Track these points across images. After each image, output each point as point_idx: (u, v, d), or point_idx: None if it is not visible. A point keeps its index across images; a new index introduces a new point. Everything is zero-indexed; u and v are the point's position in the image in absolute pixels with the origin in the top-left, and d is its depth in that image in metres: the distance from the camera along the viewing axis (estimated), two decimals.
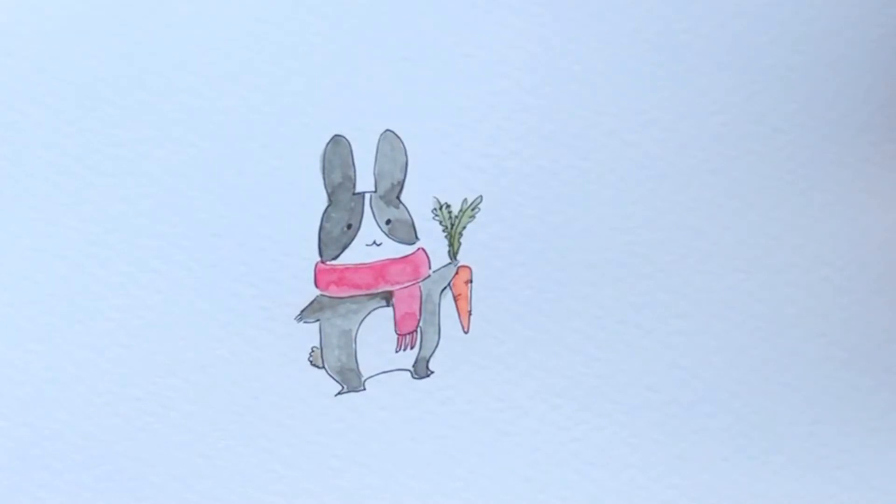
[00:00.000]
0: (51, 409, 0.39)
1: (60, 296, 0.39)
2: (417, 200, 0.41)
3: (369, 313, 0.41)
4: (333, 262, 0.40)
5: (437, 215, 0.41)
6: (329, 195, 0.40)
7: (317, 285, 0.40)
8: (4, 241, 0.39)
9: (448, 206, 0.41)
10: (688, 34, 0.41)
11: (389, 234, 0.41)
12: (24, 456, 0.39)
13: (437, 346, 0.41)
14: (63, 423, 0.39)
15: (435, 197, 0.41)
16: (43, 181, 0.39)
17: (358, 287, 0.41)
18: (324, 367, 0.41)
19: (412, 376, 0.41)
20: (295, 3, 0.40)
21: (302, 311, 0.40)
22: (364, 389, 0.41)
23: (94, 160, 0.39)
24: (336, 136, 0.40)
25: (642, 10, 0.42)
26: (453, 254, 0.41)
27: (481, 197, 0.41)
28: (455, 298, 0.41)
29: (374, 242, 0.41)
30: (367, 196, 0.41)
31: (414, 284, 0.41)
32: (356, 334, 0.41)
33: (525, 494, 0.42)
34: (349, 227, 0.40)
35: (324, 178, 0.40)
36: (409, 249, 0.41)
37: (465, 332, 0.41)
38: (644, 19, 0.42)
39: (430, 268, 0.41)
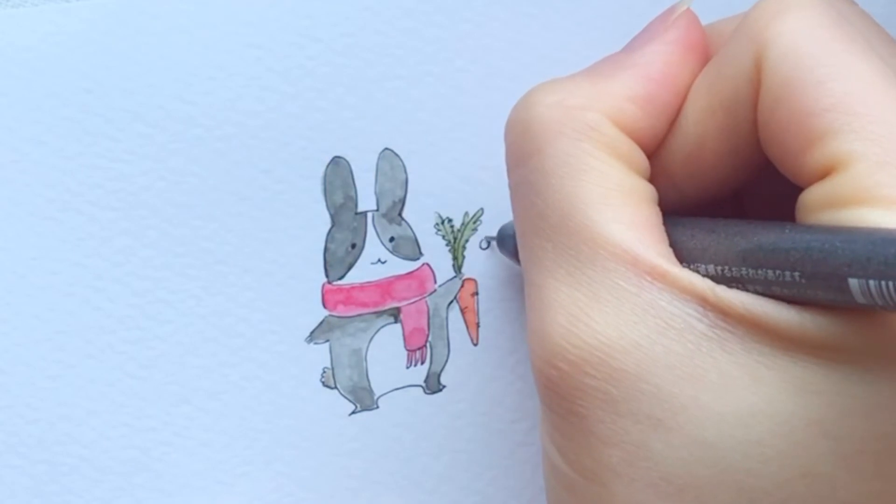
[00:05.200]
0: (66, 445, 0.39)
1: (70, 332, 0.39)
2: (419, 216, 0.41)
3: (378, 331, 0.41)
4: (340, 283, 0.41)
5: (439, 230, 0.41)
6: (332, 216, 0.41)
7: (325, 306, 0.41)
8: (9, 281, 0.39)
9: (450, 221, 0.41)
10: None
11: (394, 252, 0.41)
12: (43, 493, 0.39)
13: (447, 360, 0.41)
14: (80, 458, 0.40)
15: (436, 212, 0.41)
16: (45, 219, 0.39)
17: (365, 305, 0.41)
18: (336, 387, 0.41)
19: (424, 391, 0.41)
20: (286, 28, 0.40)
21: (311, 332, 0.41)
22: (377, 407, 0.41)
23: (96, 195, 0.39)
24: (335, 157, 0.40)
25: (636, 17, 0.42)
26: (458, 267, 0.41)
27: (482, 209, 0.41)
28: (462, 311, 0.41)
29: (379, 260, 0.41)
30: (370, 215, 0.41)
31: (421, 300, 0.41)
32: (366, 353, 0.41)
33: None
34: (353, 246, 0.41)
35: (326, 200, 0.40)
36: (413, 265, 0.41)
37: (475, 345, 0.42)
38: (637, 26, 0.42)
39: (435, 282, 0.41)
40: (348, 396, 0.41)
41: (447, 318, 0.41)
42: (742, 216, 0.33)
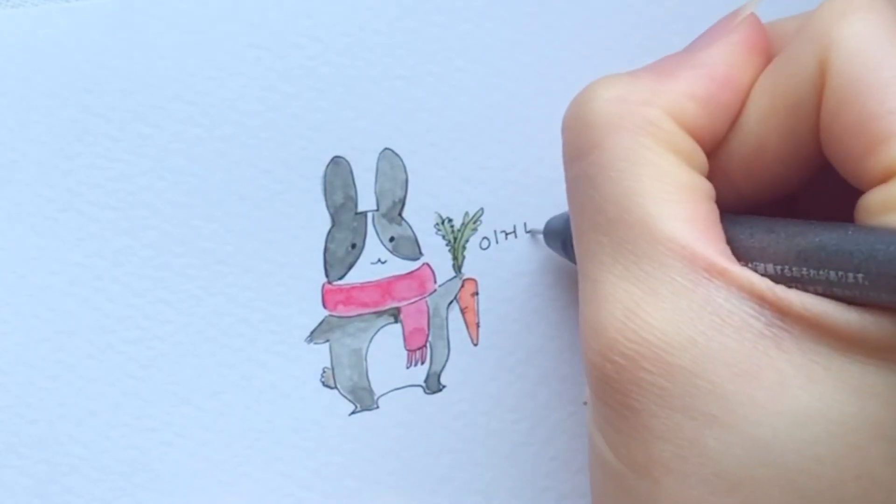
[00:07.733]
0: (66, 445, 0.39)
1: (70, 332, 0.39)
2: (419, 216, 0.41)
3: (378, 331, 0.41)
4: (340, 283, 0.41)
5: (439, 230, 0.41)
6: (332, 216, 0.41)
7: (325, 306, 0.41)
8: (9, 281, 0.39)
9: (450, 221, 0.41)
10: (681, 37, 0.42)
11: (394, 252, 0.41)
12: (44, 493, 0.39)
13: (447, 360, 0.41)
14: (80, 459, 0.40)
15: (436, 212, 0.41)
16: (45, 219, 0.39)
17: (366, 305, 0.41)
18: (336, 387, 0.41)
19: (424, 391, 0.41)
20: (287, 28, 0.40)
21: (311, 332, 0.41)
22: (377, 407, 0.41)
23: (96, 195, 0.39)
24: (335, 157, 0.41)
25: (635, 16, 0.42)
26: (458, 267, 0.41)
27: (482, 209, 0.41)
28: (462, 311, 0.41)
29: (379, 260, 0.41)
30: (370, 215, 0.41)
31: (421, 300, 0.41)
32: (366, 353, 0.41)
33: None
34: (353, 246, 0.41)
35: (326, 200, 0.41)
36: (413, 265, 0.41)
37: (475, 345, 0.42)
38: (637, 25, 0.42)
39: (435, 282, 0.41)
40: (348, 396, 0.41)
41: (447, 318, 0.41)
42: (795, 216, 0.33)
